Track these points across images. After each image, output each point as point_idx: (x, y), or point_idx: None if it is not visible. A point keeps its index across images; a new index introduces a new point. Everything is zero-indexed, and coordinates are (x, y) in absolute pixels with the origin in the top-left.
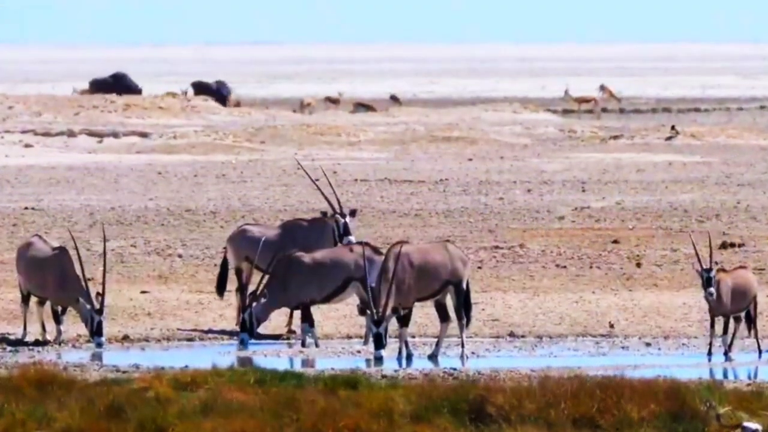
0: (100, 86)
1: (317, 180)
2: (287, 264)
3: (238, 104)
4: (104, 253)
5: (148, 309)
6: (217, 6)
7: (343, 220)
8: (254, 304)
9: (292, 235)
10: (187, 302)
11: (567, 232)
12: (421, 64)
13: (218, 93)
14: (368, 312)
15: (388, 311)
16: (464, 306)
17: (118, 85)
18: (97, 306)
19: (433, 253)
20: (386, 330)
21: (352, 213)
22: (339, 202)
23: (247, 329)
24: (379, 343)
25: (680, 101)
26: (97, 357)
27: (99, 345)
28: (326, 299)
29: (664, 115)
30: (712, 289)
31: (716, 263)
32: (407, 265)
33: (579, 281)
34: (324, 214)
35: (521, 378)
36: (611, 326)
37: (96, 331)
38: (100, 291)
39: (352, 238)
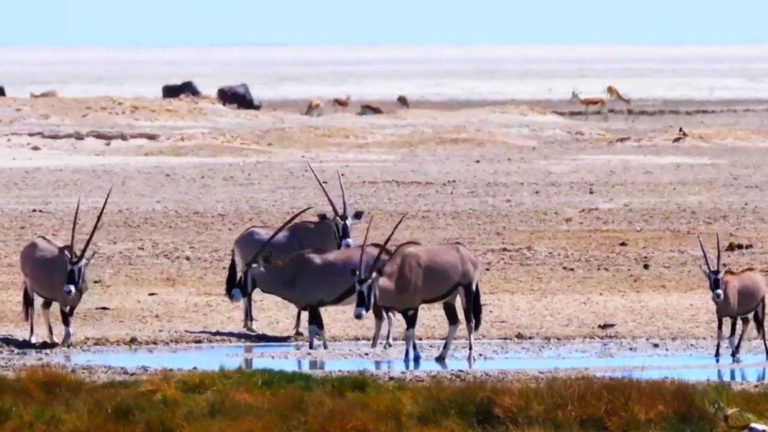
0: (171, 91)
1: (325, 183)
2: (297, 263)
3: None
4: (104, 206)
5: (156, 311)
6: (223, 7)
7: (342, 223)
8: (253, 266)
9: (299, 237)
10: (195, 304)
11: (574, 234)
12: (428, 66)
13: (244, 98)
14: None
15: (374, 275)
16: (474, 309)
17: (187, 91)
18: (75, 258)
19: (443, 255)
20: (369, 289)
21: (358, 215)
22: (345, 205)
23: (241, 286)
24: (362, 301)
25: (688, 103)
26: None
27: (68, 293)
28: (337, 300)
29: (671, 116)
30: (720, 291)
31: (724, 265)
32: (415, 265)
33: (587, 283)
34: (323, 216)
35: (529, 380)
36: (604, 326)
37: (68, 280)
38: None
39: (350, 241)
